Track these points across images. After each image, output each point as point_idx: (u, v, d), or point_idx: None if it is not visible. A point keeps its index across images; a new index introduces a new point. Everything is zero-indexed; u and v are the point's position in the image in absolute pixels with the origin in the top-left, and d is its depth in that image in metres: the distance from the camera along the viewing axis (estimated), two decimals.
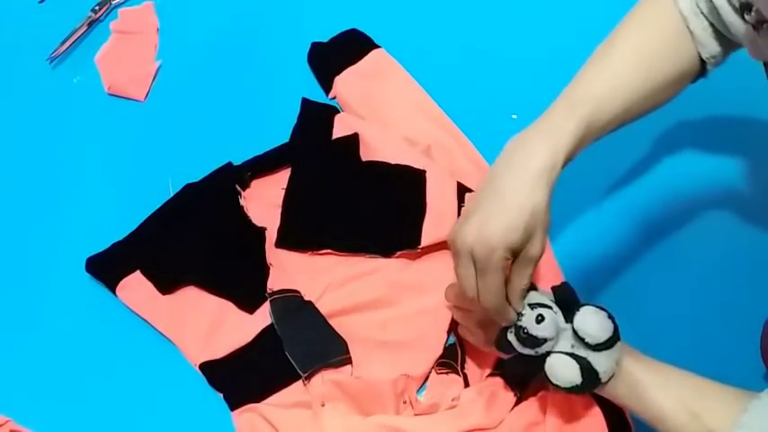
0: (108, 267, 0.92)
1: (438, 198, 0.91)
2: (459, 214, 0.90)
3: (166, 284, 0.90)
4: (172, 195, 0.95)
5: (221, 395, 0.84)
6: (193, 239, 0.92)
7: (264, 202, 0.95)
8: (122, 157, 1.02)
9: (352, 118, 1.00)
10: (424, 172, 0.93)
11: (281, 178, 0.96)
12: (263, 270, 0.89)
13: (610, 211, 0.93)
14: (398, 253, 0.89)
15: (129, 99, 1.07)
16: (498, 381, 0.80)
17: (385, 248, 0.90)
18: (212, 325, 0.87)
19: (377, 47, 1.05)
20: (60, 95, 1.08)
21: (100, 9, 1.14)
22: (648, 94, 0.72)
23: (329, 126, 0.99)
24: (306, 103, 1.02)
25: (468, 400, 0.80)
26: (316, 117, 1.01)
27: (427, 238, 0.89)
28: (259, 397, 0.82)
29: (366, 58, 1.04)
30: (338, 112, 1.01)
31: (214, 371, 0.85)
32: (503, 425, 0.78)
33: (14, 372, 0.88)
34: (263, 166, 0.97)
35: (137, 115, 1.05)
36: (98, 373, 0.87)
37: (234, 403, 0.83)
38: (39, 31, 1.13)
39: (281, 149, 0.98)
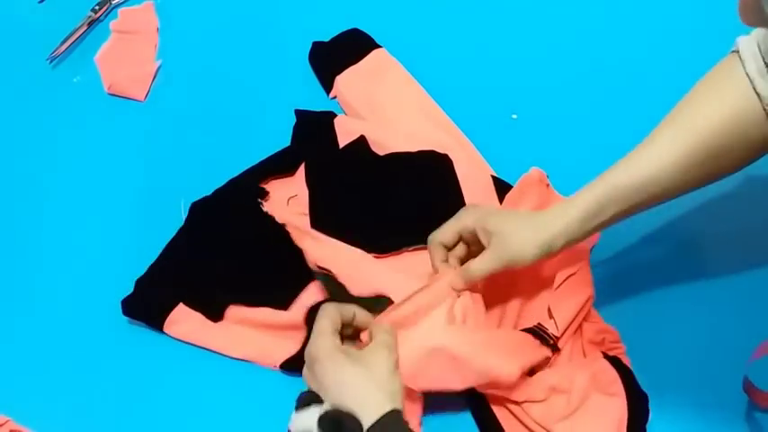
0: (147, 308, 0.88)
1: (471, 180, 0.90)
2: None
3: (216, 312, 0.87)
4: (183, 215, 0.93)
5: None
6: (223, 260, 0.90)
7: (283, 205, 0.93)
8: (122, 156, 1.02)
9: (352, 120, 1.00)
10: (447, 156, 0.92)
11: (294, 182, 0.95)
12: (292, 267, 0.86)
13: None
14: None
15: (129, 99, 1.07)
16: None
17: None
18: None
19: (378, 46, 1.05)
20: (60, 95, 1.08)
21: (100, 9, 1.14)
22: (710, 175, 0.75)
23: (331, 131, 0.98)
24: (300, 114, 1.00)
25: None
26: (315, 124, 0.99)
27: None
28: None
29: (367, 57, 1.04)
30: (334, 115, 1.00)
31: (295, 365, 0.82)
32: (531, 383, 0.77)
33: (14, 372, 0.88)
34: (271, 172, 0.95)
35: (137, 115, 1.05)
36: (99, 373, 0.86)
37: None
38: (39, 31, 1.13)
39: (285, 153, 0.97)
